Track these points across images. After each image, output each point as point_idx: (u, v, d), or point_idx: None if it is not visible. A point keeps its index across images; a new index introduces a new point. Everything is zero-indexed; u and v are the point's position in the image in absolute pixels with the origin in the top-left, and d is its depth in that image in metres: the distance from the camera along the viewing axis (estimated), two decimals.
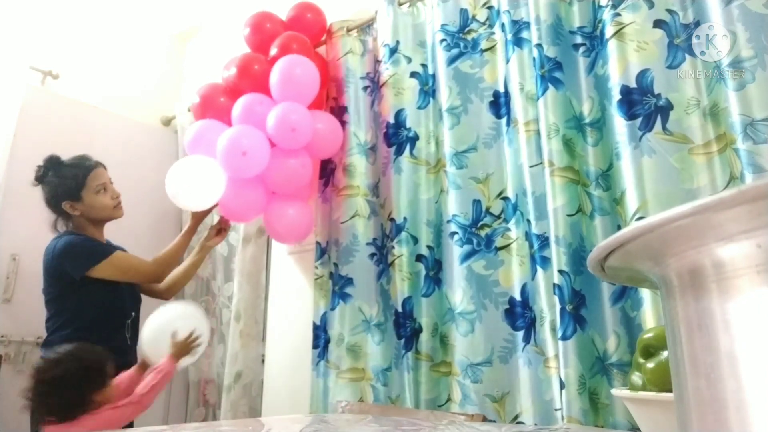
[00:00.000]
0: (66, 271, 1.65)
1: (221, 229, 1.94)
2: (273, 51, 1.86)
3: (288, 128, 1.70)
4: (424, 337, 1.55)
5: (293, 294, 2.09)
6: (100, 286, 1.68)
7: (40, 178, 1.75)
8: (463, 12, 1.68)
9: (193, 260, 1.94)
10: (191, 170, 1.75)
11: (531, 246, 1.38)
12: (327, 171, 1.93)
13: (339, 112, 1.89)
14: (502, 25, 1.56)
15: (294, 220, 1.84)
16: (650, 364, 0.71)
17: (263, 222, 1.93)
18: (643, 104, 1.24)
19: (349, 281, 1.72)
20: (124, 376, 1.54)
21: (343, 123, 1.87)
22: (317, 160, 1.93)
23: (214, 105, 1.90)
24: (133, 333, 1.79)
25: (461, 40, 1.67)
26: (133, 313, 1.81)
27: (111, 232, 1.86)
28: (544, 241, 1.32)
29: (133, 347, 1.78)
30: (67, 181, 1.72)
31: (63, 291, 1.68)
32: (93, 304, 1.68)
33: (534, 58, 1.41)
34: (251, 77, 1.85)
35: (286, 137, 1.72)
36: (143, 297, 1.91)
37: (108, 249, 1.74)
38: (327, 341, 1.75)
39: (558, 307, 1.25)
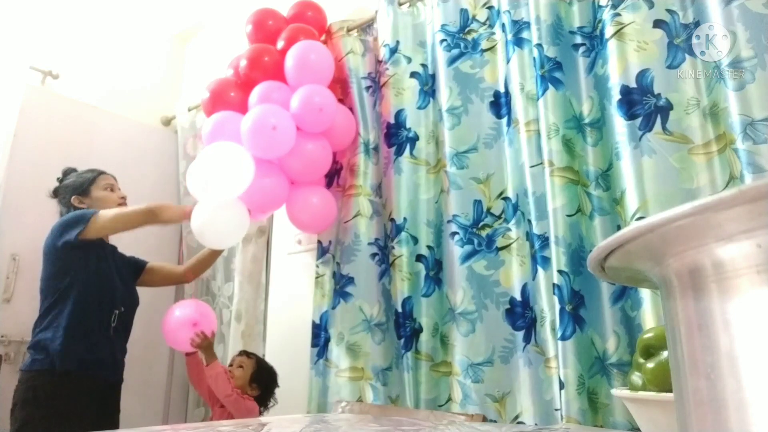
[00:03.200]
0: (59, 247, 1.66)
1: None
2: (280, 44, 1.86)
3: (316, 108, 1.69)
4: (425, 337, 1.55)
5: (293, 294, 2.09)
6: (86, 276, 1.67)
7: (57, 190, 1.86)
8: (464, 12, 1.68)
9: None
10: (219, 155, 1.66)
11: (531, 246, 1.38)
12: (331, 171, 1.93)
13: None
14: (503, 25, 1.56)
15: (318, 208, 1.81)
16: (650, 364, 0.71)
17: (286, 212, 1.88)
18: (643, 104, 1.24)
19: (350, 280, 1.72)
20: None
21: None
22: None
23: (225, 99, 1.88)
24: (120, 326, 1.74)
25: (461, 40, 1.67)
26: (123, 308, 1.76)
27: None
28: (545, 241, 1.32)
29: (117, 342, 1.74)
30: (79, 180, 1.85)
31: (47, 277, 1.68)
32: (75, 295, 1.66)
33: (534, 58, 1.41)
34: (263, 68, 1.84)
35: (313, 118, 1.70)
36: (151, 296, 1.90)
37: (88, 212, 1.74)
38: (327, 340, 1.75)
39: (557, 307, 1.25)
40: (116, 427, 1.71)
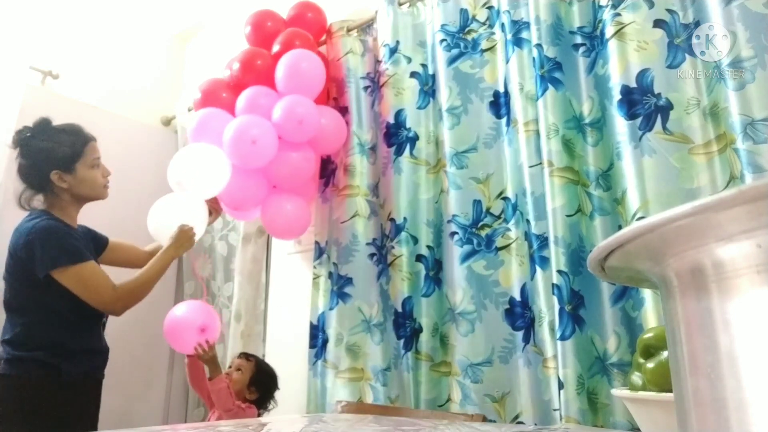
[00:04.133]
0: (34, 263, 1.43)
1: (211, 209, 1.81)
2: (276, 48, 1.87)
3: (295, 120, 1.70)
4: (424, 337, 1.55)
5: (293, 294, 2.09)
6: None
7: (26, 140, 1.53)
8: (463, 12, 1.68)
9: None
10: (197, 157, 1.70)
11: (530, 246, 1.38)
12: (327, 171, 1.93)
13: (340, 112, 1.89)
14: (502, 25, 1.56)
15: (291, 216, 1.83)
16: (650, 364, 0.71)
17: (260, 215, 1.92)
18: (644, 104, 1.24)
19: (349, 281, 1.72)
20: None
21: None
22: (319, 157, 1.92)
23: (216, 100, 1.88)
24: (104, 326, 1.65)
25: (461, 40, 1.67)
26: None
27: (108, 234, 1.85)
28: (544, 241, 1.32)
29: (108, 348, 1.63)
30: (62, 148, 1.53)
31: (37, 282, 1.45)
32: (71, 299, 1.47)
33: (534, 59, 1.41)
34: (255, 72, 1.84)
35: (293, 129, 1.71)
36: (150, 294, 1.82)
37: (83, 254, 1.50)
38: (325, 341, 1.75)
39: (557, 307, 1.25)
40: (96, 418, 1.60)
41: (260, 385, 1.76)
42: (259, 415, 1.76)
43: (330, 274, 1.80)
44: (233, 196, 1.78)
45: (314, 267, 1.85)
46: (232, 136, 1.67)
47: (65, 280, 1.46)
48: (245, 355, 1.83)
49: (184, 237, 1.64)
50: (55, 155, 1.52)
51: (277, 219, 1.84)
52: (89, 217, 1.69)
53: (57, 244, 1.46)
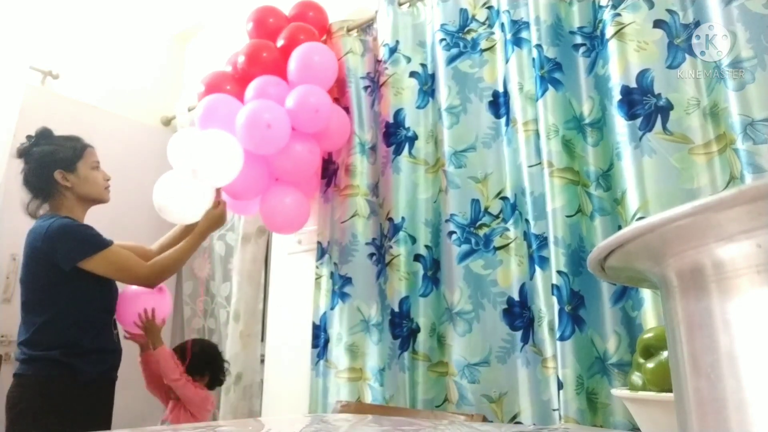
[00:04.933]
0: (57, 259, 1.49)
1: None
2: (280, 42, 1.86)
3: (312, 109, 1.69)
4: (422, 337, 1.54)
5: (293, 294, 2.09)
6: (96, 279, 1.54)
7: (28, 149, 1.61)
8: (463, 12, 1.68)
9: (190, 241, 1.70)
10: (212, 143, 1.65)
11: (529, 246, 1.38)
12: (329, 171, 1.93)
13: None
14: (502, 24, 1.56)
15: (290, 210, 1.81)
16: (650, 364, 0.71)
17: (259, 207, 1.89)
18: (644, 104, 1.24)
19: (348, 281, 1.72)
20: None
21: None
22: (323, 152, 1.92)
23: (220, 92, 1.85)
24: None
25: (461, 39, 1.67)
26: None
27: (109, 234, 1.85)
28: (543, 241, 1.32)
29: (121, 349, 1.66)
30: (63, 150, 1.62)
31: (55, 281, 1.50)
32: (86, 300, 1.53)
33: (533, 59, 1.41)
34: (261, 63, 1.83)
35: (308, 118, 1.70)
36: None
37: (104, 240, 1.56)
38: (326, 341, 1.75)
39: (556, 307, 1.25)
40: (110, 418, 1.62)
41: (203, 368, 1.78)
42: (210, 387, 1.82)
43: (331, 274, 1.80)
44: (235, 184, 1.75)
45: (316, 267, 1.85)
46: (246, 120, 1.65)
47: (95, 267, 1.52)
48: (180, 347, 1.84)
49: (215, 214, 1.71)
50: (57, 156, 1.60)
51: (275, 212, 1.83)
52: (90, 216, 1.69)
53: (78, 236, 1.53)
